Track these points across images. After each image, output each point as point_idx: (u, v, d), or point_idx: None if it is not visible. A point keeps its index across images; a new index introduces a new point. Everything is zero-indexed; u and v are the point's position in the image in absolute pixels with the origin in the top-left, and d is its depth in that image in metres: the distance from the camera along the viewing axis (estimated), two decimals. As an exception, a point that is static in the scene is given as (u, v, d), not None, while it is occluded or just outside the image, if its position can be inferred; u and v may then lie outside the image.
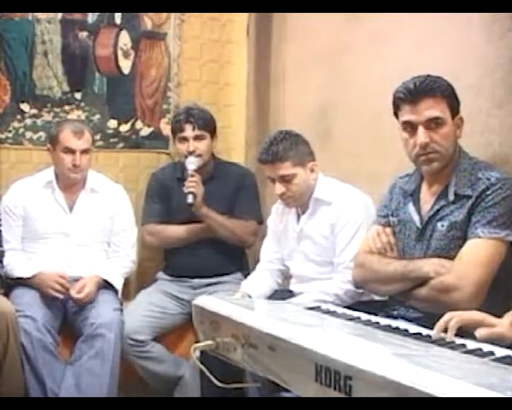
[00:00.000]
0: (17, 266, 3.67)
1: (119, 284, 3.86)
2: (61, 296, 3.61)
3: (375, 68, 3.53)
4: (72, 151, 3.69)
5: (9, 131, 4.11)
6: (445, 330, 2.00)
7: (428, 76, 2.55)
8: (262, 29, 4.50)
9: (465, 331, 2.00)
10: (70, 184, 3.83)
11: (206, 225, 3.90)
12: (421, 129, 2.52)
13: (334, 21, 3.79)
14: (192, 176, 3.80)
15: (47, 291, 3.59)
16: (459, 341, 1.93)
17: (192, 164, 3.85)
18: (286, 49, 4.32)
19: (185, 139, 3.93)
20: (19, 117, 4.14)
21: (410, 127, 2.56)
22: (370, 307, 2.64)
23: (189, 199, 3.74)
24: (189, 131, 3.92)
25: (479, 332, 1.94)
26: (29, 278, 3.64)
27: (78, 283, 3.67)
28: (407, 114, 2.56)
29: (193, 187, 3.76)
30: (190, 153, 3.88)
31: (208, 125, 3.99)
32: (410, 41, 3.32)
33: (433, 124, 2.52)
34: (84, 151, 3.73)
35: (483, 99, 2.89)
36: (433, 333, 2.01)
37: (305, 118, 4.04)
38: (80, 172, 3.77)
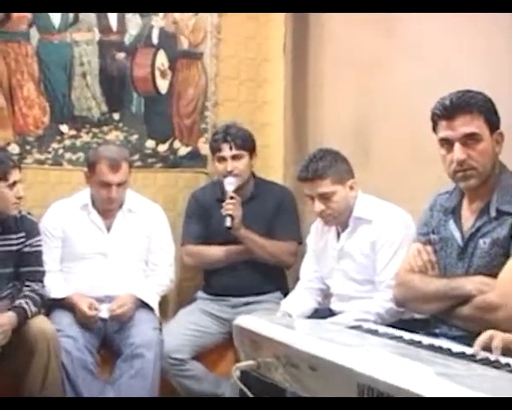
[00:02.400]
0: (53, 287, 3.69)
1: (154, 303, 3.85)
2: (91, 321, 3.64)
3: (414, 84, 3.51)
4: (107, 184, 3.70)
5: (49, 153, 4.14)
6: (486, 349, 1.97)
7: (467, 91, 2.53)
8: (298, 46, 4.50)
9: (506, 350, 1.97)
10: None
11: (245, 246, 3.88)
12: (457, 145, 2.50)
13: (372, 36, 3.79)
14: (231, 198, 3.77)
15: (78, 315, 3.62)
16: (504, 360, 1.90)
17: (230, 185, 3.83)
18: (323, 66, 4.31)
19: (223, 159, 3.91)
20: (58, 138, 4.17)
21: (447, 144, 2.54)
22: (412, 326, 2.61)
23: (227, 222, 3.71)
24: (226, 151, 3.90)
25: None
26: (62, 299, 3.68)
27: (116, 300, 3.70)
28: (443, 131, 2.54)
29: (231, 209, 3.73)
30: (229, 172, 3.86)
31: (246, 144, 3.96)
32: (445, 55, 3.31)
33: (470, 140, 2.49)
34: (120, 184, 3.73)
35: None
36: (474, 349, 1.99)
37: (343, 135, 4.01)
38: (116, 202, 3.80)
